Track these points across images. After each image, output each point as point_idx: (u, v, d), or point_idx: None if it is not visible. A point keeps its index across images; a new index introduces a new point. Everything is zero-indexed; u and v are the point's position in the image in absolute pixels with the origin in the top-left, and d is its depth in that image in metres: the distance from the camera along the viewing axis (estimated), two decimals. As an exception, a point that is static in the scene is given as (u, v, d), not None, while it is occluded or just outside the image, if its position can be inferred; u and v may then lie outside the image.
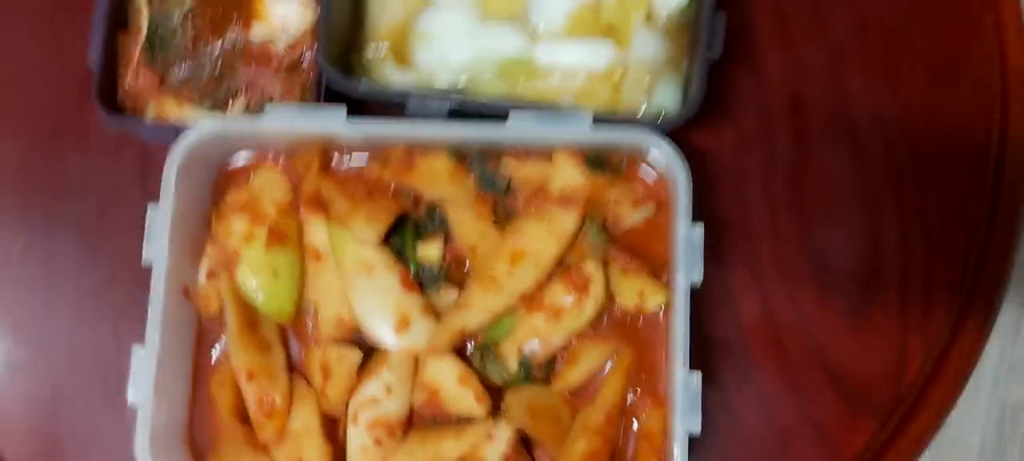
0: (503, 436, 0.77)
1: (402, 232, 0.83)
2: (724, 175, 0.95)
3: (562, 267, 0.81)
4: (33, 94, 1.00)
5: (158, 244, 0.79)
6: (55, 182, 0.99)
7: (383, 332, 0.79)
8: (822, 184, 0.95)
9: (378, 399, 0.78)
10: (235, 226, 0.82)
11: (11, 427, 0.93)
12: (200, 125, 0.82)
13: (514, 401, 0.78)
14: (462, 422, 0.75)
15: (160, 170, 0.95)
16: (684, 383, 0.74)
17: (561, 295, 0.79)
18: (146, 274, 0.92)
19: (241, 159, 0.88)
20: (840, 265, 0.92)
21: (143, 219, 0.95)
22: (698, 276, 0.77)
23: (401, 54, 0.93)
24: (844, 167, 0.95)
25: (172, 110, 0.93)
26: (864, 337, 0.91)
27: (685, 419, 0.74)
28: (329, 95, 0.89)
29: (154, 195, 0.95)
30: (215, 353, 0.85)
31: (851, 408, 0.89)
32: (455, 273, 0.83)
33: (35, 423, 0.93)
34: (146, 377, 0.77)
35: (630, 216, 0.83)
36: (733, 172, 0.95)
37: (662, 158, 0.80)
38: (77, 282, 0.96)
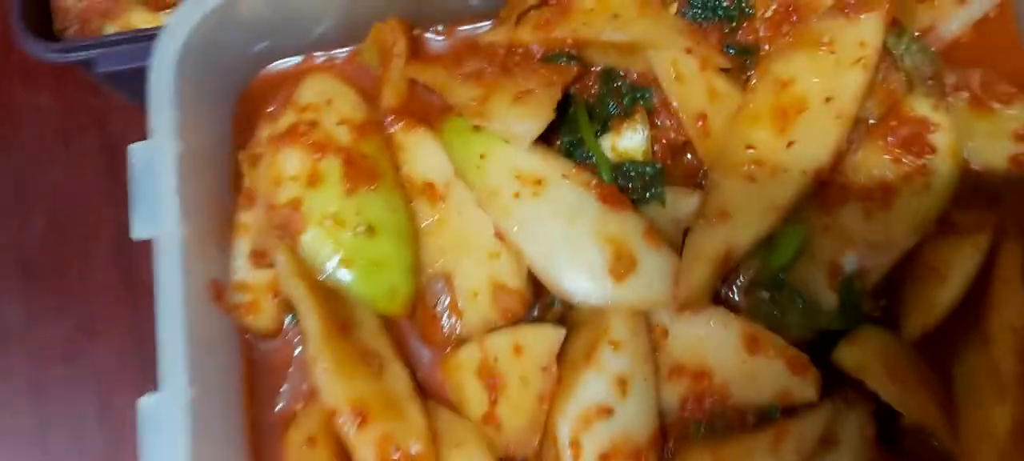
0: (855, 429, 0.41)
1: (570, 124, 0.48)
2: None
3: (865, 120, 0.46)
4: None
5: (162, 210, 0.43)
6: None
7: (587, 284, 0.46)
8: None
9: (609, 407, 0.42)
10: (286, 165, 0.47)
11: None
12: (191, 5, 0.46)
13: (859, 355, 0.43)
14: (768, 421, 0.45)
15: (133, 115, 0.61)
16: None
17: (883, 164, 0.44)
18: (137, 287, 0.59)
19: (275, 69, 0.53)
20: None
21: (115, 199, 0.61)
22: None
23: None
24: None
25: (144, 22, 0.60)
26: None
27: None
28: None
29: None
30: (284, 398, 0.51)
31: None
32: (675, 168, 0.48)
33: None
34: (171, 450, 0.41)
35: (956, 17, 0.49)
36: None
37: None
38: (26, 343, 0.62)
